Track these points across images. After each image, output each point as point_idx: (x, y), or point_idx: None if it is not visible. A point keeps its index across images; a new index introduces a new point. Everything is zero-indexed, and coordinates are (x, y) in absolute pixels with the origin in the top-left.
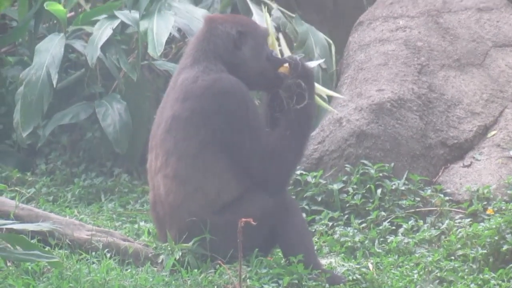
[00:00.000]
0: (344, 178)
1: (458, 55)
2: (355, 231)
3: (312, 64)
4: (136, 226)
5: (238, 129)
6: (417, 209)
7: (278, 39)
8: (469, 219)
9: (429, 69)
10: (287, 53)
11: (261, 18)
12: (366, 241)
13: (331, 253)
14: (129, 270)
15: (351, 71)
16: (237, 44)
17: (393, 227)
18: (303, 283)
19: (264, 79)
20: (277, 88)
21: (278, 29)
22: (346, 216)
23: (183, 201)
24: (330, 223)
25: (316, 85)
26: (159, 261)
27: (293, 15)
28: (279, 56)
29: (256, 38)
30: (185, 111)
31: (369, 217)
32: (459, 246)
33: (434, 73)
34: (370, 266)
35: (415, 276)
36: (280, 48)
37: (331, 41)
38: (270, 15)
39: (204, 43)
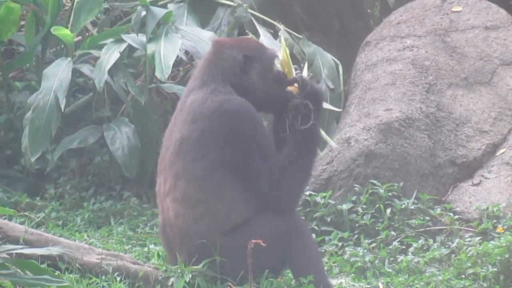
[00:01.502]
0: (353, 198)
1: (466, 73)
2: (365, 251)
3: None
4: (146, 249)
5: (247, 150)
6: (427, 228)
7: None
8: (479, 238)
9: (437, 88)
10: (305, 74)
11: (268, 40)
12: (376, 261)
13: (341, 274)
14: None
15: (359, 91)
16: (244, 69)
17: (403, 247)
18: None
19: (272, 101)
20: (286, 109)
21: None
22: (356, 236)
23: (192, 223)
24: (340, 244)
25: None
26: (169, 284)
27: (300, 36)
28: (293, 74)
29: (263, 61)
30: (194, 132)
31: (379, 237)
32: (469, 264)
33: (442, 92)
34: (381, 286)
35: None
36: (296, 67)
37: (338, 62)
38: (277, 35)
39: (212, 67)
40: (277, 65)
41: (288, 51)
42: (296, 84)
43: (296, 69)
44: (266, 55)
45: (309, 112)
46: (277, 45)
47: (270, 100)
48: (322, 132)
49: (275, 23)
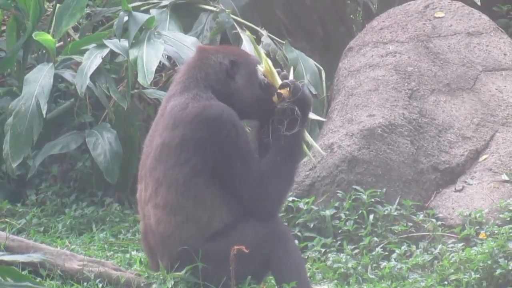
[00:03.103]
0: (336, 204)
1: (448, 79)
2: (348, 257)
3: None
4: (128, 255)
5: (229, 156)
6: (410, 234)
7: (271, 66)
8: (462, 244)
9: (420, 94)
10: (291, 78)
11: (250, 45)
12: (359, 267)
13: (324, 280)
14: None
15: (342, 97)
16: (230, 74)
17: (386, 253)
18: None
19: (257, 108)
20: (271, 116)
21: (268, 55)
22: (339, 242)
23: (174, 230)
24: (323, 250)
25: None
26: None
27: (283, 42)
28: (278, 81)
29: (248, 67)
30: (175, 138)
31: (361, 243)
32: (452, 271)
33: (425, 98)
34: None
35: None
36: (279, 70)
37: (321, 67)
38: (260, 42)
39: (195, 71)
40: (260, 73)
41: (268, 61)
42: (287, 89)
43: (279, 73)
44: (250, 61)
45: (296, 118)
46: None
47: (255, 107)
48: (310, 138)
49: (258, 28)
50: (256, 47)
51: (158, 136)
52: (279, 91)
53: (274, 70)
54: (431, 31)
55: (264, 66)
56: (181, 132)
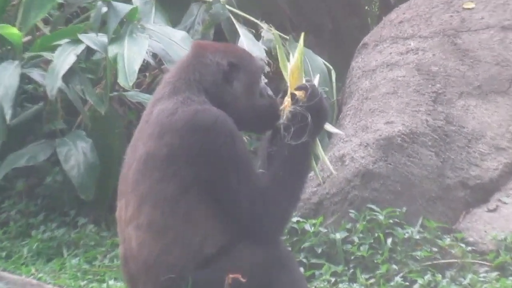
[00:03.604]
0: (348, 226)
1: (480, 81)
2: None
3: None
4: (104, 285)
5: (224, 169)
6: (435, 262)
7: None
8: (496, 273)
9: (446, 97)
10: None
11: (249, 41)
12: None
13: None
14: None
15: (355, 101)
16: (228, 78)
17: (407, 283)
18: None
19: (257, 120)
20: (270, 129)
21: (269, 53)
22: (351, 270)
23: (160, 255)
24: (333, 279)
25: None
26: None
27: (287, 37)
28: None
29: (250, 72)
30: (161, 148)
31: (378, 272)
32: None
33: (452, 102)
34: None
35: None
36: (309, 79)
37: (331, 67)
38: (260, 36)
39: (189, 71)
40: (264, 81)
41: (301, 57)
42: (304, 92)
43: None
44: (254, 65)
45: (305, 126)
46: (260, 48)
47: (253, 119)
48: (322, 152)
49: (258, 21)
50: (279, 45)
51: (142, 145)
52: (294, 92)
53: (302, 72)
54: (459, 25)
55: (295, 61)
56: (169, 141)
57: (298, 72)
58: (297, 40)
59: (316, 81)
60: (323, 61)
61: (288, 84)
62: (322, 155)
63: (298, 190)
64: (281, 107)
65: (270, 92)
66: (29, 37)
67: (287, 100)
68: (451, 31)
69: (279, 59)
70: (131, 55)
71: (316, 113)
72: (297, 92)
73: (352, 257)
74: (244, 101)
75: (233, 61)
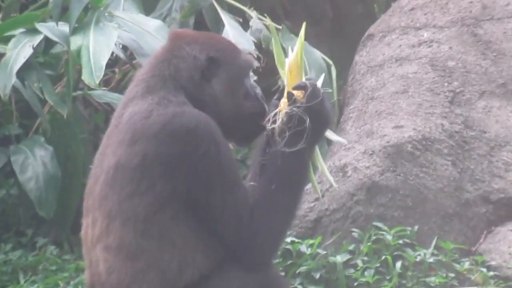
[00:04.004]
0: (351, 247)
1: (504, 78)
2: None
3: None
4: None
5: (207, 181)
6: None
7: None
8: None
9: (465, 97)
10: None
11: (235, 31)
12: None
13: None
14: None
15: (359, 101)
16: (206, 75)
17: None
18: None
19: (240, 125)
20: (255, 138)
21: (258, 45)
22: None
23: (131, 281)
24: None
25: None
26: None
27: (279, 27)
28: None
29: (233, 68)
30: (133, 157)
31: None
32: None
33: (472, 103)
34: None
35: None
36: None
37: (330, 62)
38: (248, 26)
39: (163, 66)
40: (251, 79)
41: (301, 52)
42: (303, 91)
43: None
44: (238, 61)
45: (302, 131)
46: (248, 39)
47: (236, 123)
48: (321, 162)
49: (246, 9)
50: (275, 37)
51: (110, 154)
52: (292, 91)
53: (303, 69)
54: (480, 12)
55: (295, 56)
56: (142, 149)
57: (298, 69)
58: (291, 31)
59: (319, 81)
60: (322, 55)
61: (286, 83)
62: (321, 165)
63: (293, 206)
64: (277, 110)
65: (259, 92)
66: None
67: (284, 102)
68: (471, 20)
69: (275, 54)
70: (97, 48)
71: (316, 116)
72: (295, 92)
73: (355, 284)
74: (225, 102)
75: (212, 55)
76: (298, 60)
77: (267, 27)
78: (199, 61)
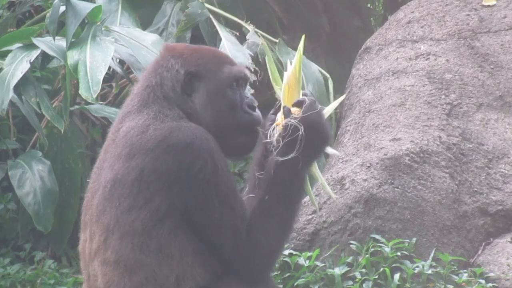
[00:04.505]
0: (349, 260)
1: (502, 90)
2: None
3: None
4: None
5: (204, 197)
6: None
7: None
8: None
9: (462, 110)
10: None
11: (232, 45)
12: None
13: None
14: None
15: (356, 114)
16: (185, 89)
17: None
18: None
19: (227, 137)
20: (249, 149)
21: (255, 59)
22: None
23: None
24: None
25: None
26: None
27: (276, 40)
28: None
29: (214, 83)
30: (131, 172)
31: None
32: None
33: (469, 115)
34: None
35: None
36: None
37: (327, 75)
38: (245, 40)
39: (151, 76)
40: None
41: (300, 66)
42: (302, 106)
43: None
44: (219, 75)
45: (295, 140)
46: (245, 53)
47: (223, 137)
48: (319, 173)
49: (242, 22)
50: (268, 54)
51: (108, 168)
52: (289, 106)
53: (300, 83)
54: (477, 25)
55: (290, 73)
56: (139, 164)
57: (296, 83)
58: (288, 44)
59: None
60: (319, 68)
61: (281, 98)
62: (319, 176)
63: (289, 218)
64: (274, 124)
65: (250, 103)
66: None
67: (281, 117)
68: (468, 33)
69: (269, 69)
70: (94, 63)
71: (312, 126)
72: (294, 109)
73: None
74: (207, 115)
75: (192, 70)
76: (296, 73)
77: (264, 40)
78: (179, 75)
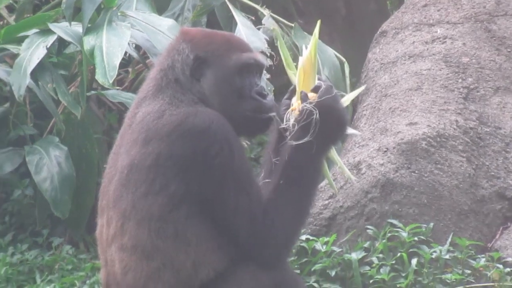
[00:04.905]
0: (366, 245)
1: None
2: None
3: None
4: None
5: (220, 182)
6: (467, 286)
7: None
8: None
9: (479, 93)
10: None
11: (247, 29)
12: None
13: None
14: None
15: (372, 98)
16: (194, 73)
17: None
18: None
19: (235, 123)
20: (260, 132)
21: (271, 43)
22: None
23: (147, 280)
24: None
25: None
26: None
27: (292, 25)
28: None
29: (221, 69)
30: (147, 157)
31: None
32: None
33: (486, 99)
34: None
35: None
36: (320, 77)
37: (343, 59)
38: (261, 24)
39: (164, 58)
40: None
41: (315, 51)
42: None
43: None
44: (227, 62)
45: (309, 124)
46: (260, 37)
47: (232, 123)
48: (336, 156)
49: (258, 7)
50: (279, 39)
51: (124, 153)
52: (306, 92)
53: (316, 68)
54: (494, 8)
55: (305, 58)
56: (155, 149)
57: (311, 67)
58: (304, 28)
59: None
60: (335, 52)
61: (296, 83)
62: (338, 160)
63: (305, 203)
64: (289, 110)
65: (259, 90)
66: None
67: (297, 102)
68: (484, 16)
69: (282, 55)
70: (110, 48)
71: (327, 110)
72: (310, 94)
73: (371, 281)
74: (214, 101)
75: (201, 55)
76: (312, 58)
77: (280, 24)
78: (188, 59)
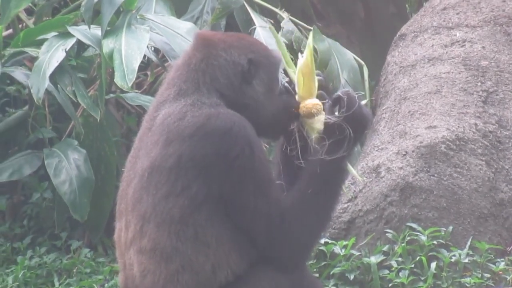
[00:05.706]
0: (385, 248)
1: None
2: None
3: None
4: None
5: (240, 184)
6: None
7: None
8: None
9: (498, 97)
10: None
11: (266, 32)
12: None
13: None
14: None
15: (391, 101)
16: (246, 77)
17: None
18: None
19: (279, 123)
20: (286, 133)
21: (290, 46)
22: None
23: (165, 283)
24: None
25: None
26: None
27: (311, 28)
28: (315, 84)
29: (269, 67)
30: (168, 158)
31: None
32: None
33: (505, 102)
34: None
35: None
36: (319, 72)
37: (362, 62)
38: (280, 27)
39: (198, 75)
40: (289, 73)
41: (311, 55)
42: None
43: (318, 75)
44: (272, 59)
45: (343, 140)
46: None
47: (276, 122)
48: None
49: (277, 10)
50: (277, 39)
51: (144, 156)
52: (330, 103)
53: (314, 74)
54: None
55: (302, 63)
56: (176, 151)
57: (310, 73)
58: (323, 31)
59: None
60: (353, 55)
61: (296, 87)
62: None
63: (329, 212)
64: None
65: (287, 85)
66: (9, 31)
67: (304, 105)
68: (504, 19)
69: (280, 53)
70: (129, 51)
71: (357, 122)
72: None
73: (390, 285)
74: (266, 101)
75: (252, 57)
76: (309, 64)
77: (299, 27)
78: (239, 66)
